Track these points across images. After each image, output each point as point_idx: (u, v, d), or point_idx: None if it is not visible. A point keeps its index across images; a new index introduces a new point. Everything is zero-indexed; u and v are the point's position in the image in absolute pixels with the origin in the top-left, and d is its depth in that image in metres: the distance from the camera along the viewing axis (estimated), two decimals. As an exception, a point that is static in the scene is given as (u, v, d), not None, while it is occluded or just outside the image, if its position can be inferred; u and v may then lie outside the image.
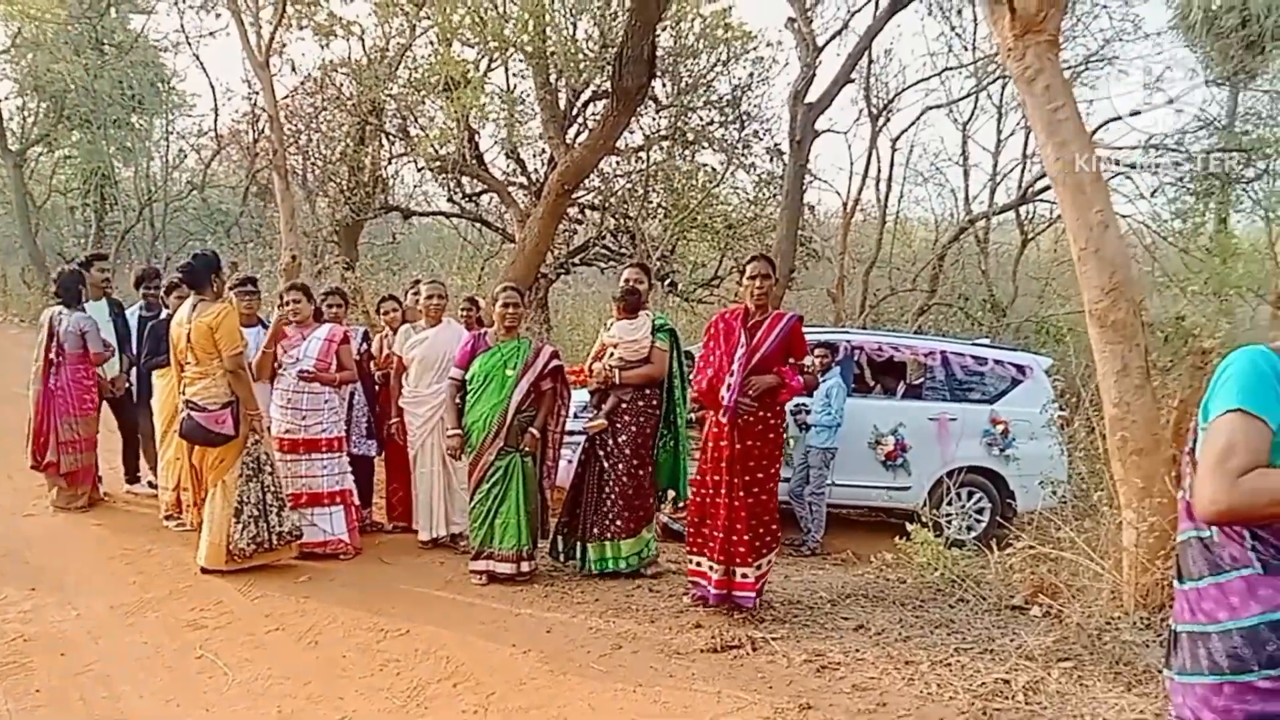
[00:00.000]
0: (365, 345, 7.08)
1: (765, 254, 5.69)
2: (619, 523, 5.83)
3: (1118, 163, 14.53)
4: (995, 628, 4.85)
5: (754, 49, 14.14)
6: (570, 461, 6.33)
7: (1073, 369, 7.00)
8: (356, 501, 6.39)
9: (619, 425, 5.83)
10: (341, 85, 14.61)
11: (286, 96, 14.71)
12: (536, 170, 14.76)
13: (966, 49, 15.47)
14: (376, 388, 7.04)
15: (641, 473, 5.87)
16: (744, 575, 5.07)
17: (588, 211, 15.26)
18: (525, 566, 5.70)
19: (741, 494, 5.04)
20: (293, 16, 12.77)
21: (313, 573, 5.76)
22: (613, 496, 5.83)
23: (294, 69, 14.83)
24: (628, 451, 5.81)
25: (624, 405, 5.84)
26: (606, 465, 5.85)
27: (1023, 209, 16.16)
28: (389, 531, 6.90)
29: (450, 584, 5.68)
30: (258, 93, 13.97)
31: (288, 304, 6.22)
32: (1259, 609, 1.83)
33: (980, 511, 7.97)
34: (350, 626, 4.88)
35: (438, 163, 13.72)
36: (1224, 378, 1.89)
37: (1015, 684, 4.09)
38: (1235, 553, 1.88)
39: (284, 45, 13.62)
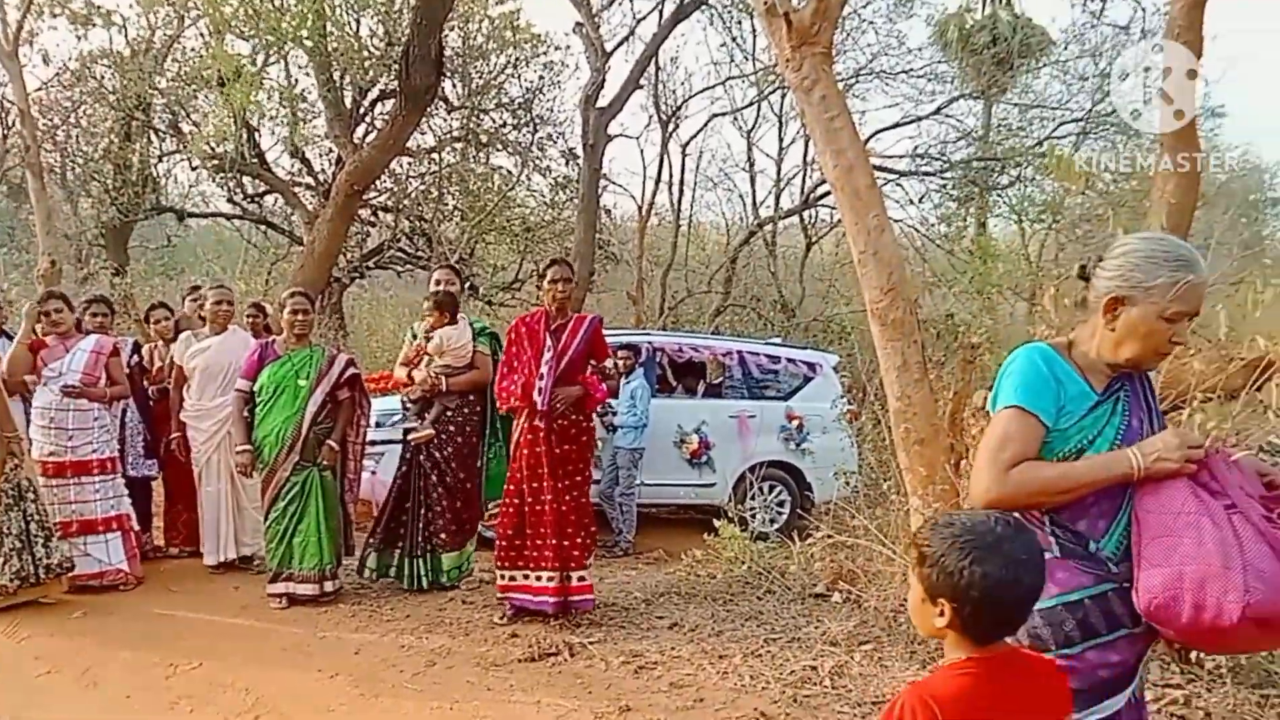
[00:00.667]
0: (136, 357, 6.51)
1: (564, 257, 5.68)
2: (444, 535, 5.64)
3: (889, 170, 15.60)
4: (801, 616, 5.04)
5: (544, 52, 14.16)
6: (374, 473, 6.06)
7: (858, 365, 7.42)
8: (135, 526, 5.87)
9: (444, 435, 5.63)
10: (103, 78, 13.39)
11: (40, 89, 13.41)
12: (324, 170, 14.13)
13: (747, 59, 16.11)
14: (151, 403, 6.49)
15: (469, 485, 5.71)
16: (580, 579, 5.04)
17: (381, 213, 14.76)
18: (329, 586, 5.41)
19: (566, 498, 5.01)
20: (44, 4, 11.64)
21: (89, 607, 5.25)
22: (439, 508, 5.62)
23: (46, 60, 13.48)
24: (454, 463, 5.63)
25: (449, 413, 5.65)
26: (434, 477, 5.63)
27: (806, 213, 17.01)
28: (173, 557, 6.39)
29: (246, 609, 5.31)
30: (5, 84, 12.59)
31: (47, 313, 5.62)
32: (1056, 590, 1.92)
33: (781, 504, 8.30)
34: (135, 664, 4.46)
35: (214, 161, 12.84)
36: (1005, 375, 2.02)
37: (822, 669, 4.26)
38: (1038, 537, 1.95)
39: (34, 34, 12.41)
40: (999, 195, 15.48)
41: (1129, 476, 1.89)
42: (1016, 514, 1.96)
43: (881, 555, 5.18)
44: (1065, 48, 15.25)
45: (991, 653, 1.68)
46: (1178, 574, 1.80)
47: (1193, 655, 3.96)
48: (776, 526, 8.02)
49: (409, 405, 5.82)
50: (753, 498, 8.07)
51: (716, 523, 6.21)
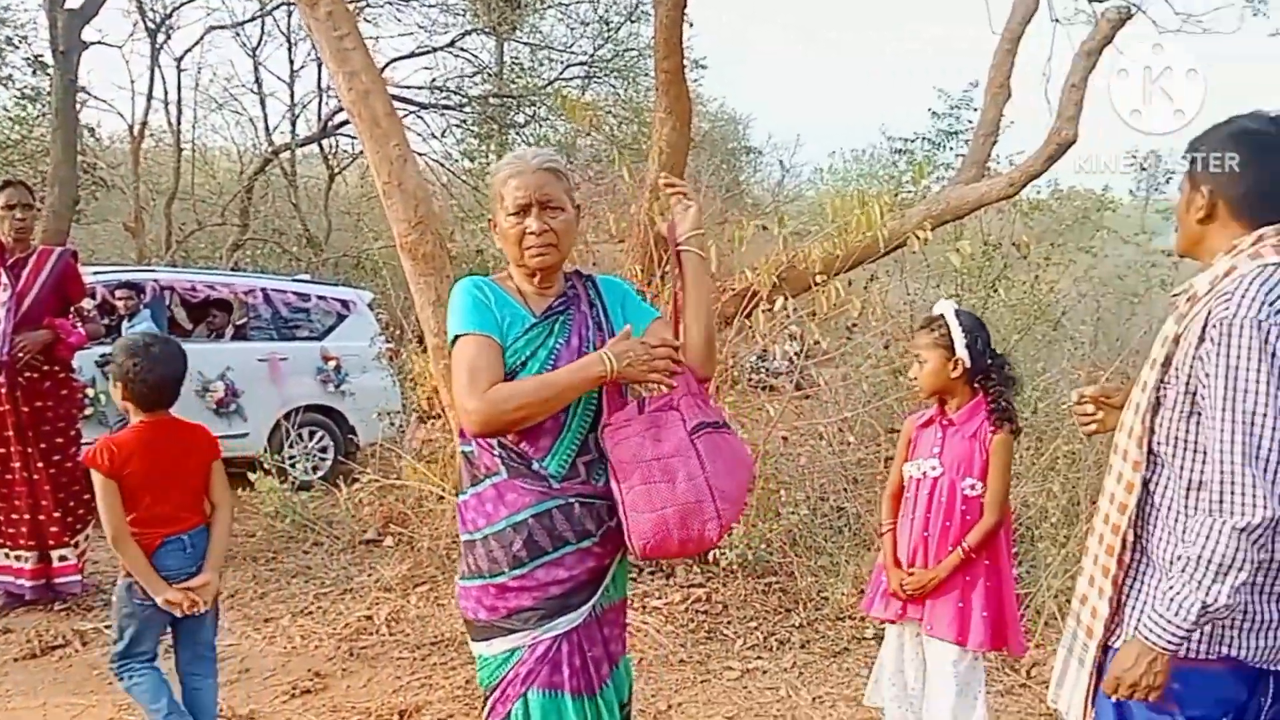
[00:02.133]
0: None
1: (19, 179, 4.79)
2: None
3: (409, 101, 15.37)
4: (353, 565, 4.96)
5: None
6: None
7: (393, 302, 7.33)
8: None
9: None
10: None
11: None
12: None
13: (246, -34, 14.69)
14: None
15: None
16: (63, 558, 4.41)
17: None
18: None
19: (40, 464, 4.33)
20: None
21: None
22: None
23: None
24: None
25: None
26: None
27: (326, 142, 16.18)
28: None
29: None
30: None
31: None
32: (506, 512, 2.01)
33: (324, 450, 7.98)
34: None
35: None
36: (450, 309, 2.07)
37: (378, 617, 4.24)
38: (488, 462, 2.04)
39: None
40: (517, 133, 15.96)
41: (604, 376, 1.97)
42: (476, 443, 2.03)
43: (432, 495, 5.24)
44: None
45: (155, 418, 2.95)
46: (661, 518, 1.97)
47: (709, 555, 4.62)
48: (320, 474, 7.70)
49: None
50: (291, 446, 7.67)
51: (252, 476, 5.82)
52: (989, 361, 2.86)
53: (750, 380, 7.12)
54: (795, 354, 5.99)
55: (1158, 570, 1.88)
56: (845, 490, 5.19)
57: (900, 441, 3.05)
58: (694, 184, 7.50)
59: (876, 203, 4.16)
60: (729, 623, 4.30)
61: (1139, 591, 1.91)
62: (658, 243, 4.78)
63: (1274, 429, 1.67)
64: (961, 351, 2.81)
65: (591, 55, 15.42)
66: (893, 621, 2.94)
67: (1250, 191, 1.84)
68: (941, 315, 2.88)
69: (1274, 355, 1.68)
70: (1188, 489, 1.82)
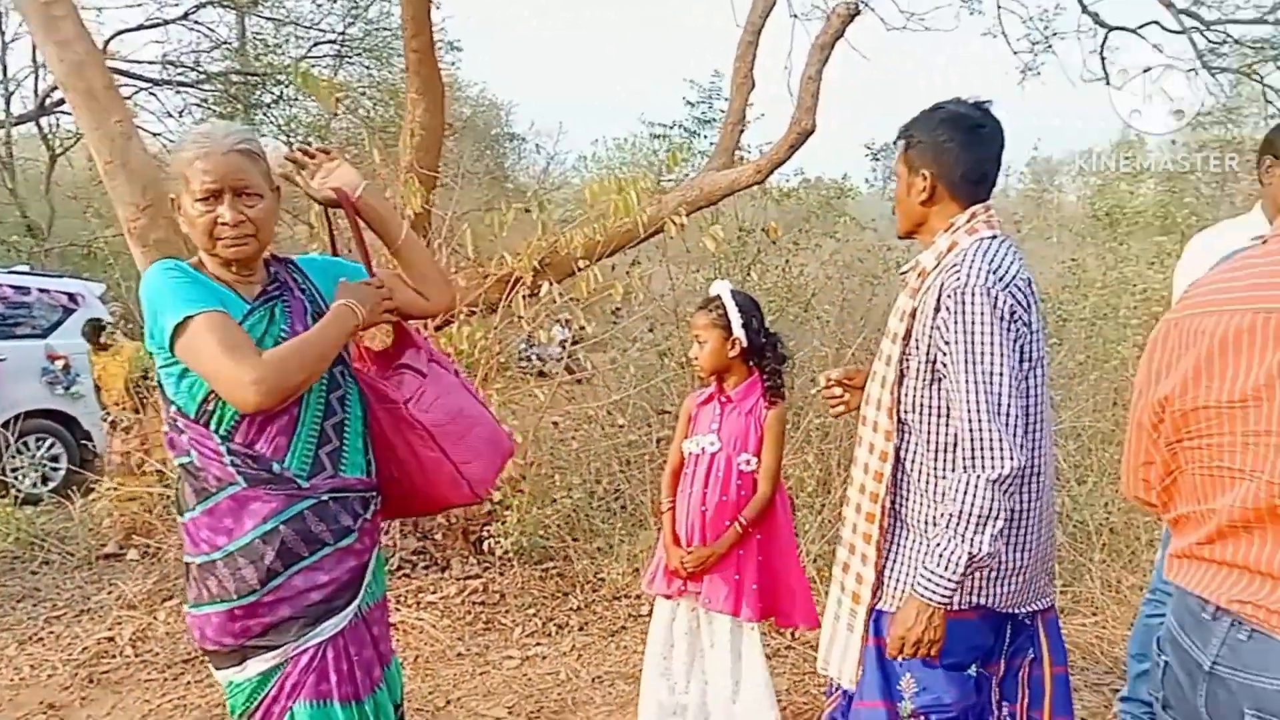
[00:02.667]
0: None
1: None
2: None
3: (139, 77, 14.14)
4: (90, 584, 4.54)
5: None
6: None
7: (125, 294, 6.77)
8: None
9: None
10: None
11: None
12: None
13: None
14: None
15: None
16: None
17: None
18: None
19: None
20: None
21: None
22: None
23: None
24: None
25: None
26: None
27: (44, 121, 14.66)
28: None
29: None
30: None
31: None
32: (251, 525, 1.83)
33: (54, 459, 7.25)
34: None
35: None
36: (155, 297, 1.81)
37: (121, 638, 3.91)
38: (219, 473, 1.83)
39: None
40: (265, 114, 14.98)
41: (357, 324, 1.89)
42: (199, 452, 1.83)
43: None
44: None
45: None
46: (489, 455, 2.07)
47: (485, 545, 4.58)
48: (52, 486, 7.00)
49: None
50: (14, 456, 6.90)
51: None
52: (763, 340, 2.96)
53: (522, 367, 7.12)
54: (562, 340, 6.04)
55: (912, 532, 2.02)
56: (620, 472, 5.29)
57: (680, 419, 3.11)
58: (456, 169, 7.39)
59: (633, 188, 4.25)
60: (507, 611, 4.28)
61: (896, 555, 2.04)
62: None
63: (1012, 386, 1.85)
64: (739, 331, 2.89)
65: (342, 33, 14.74)
66: (669, 597, 2.99)
67: (967, 173, 2.01)
68: (719, 296, 2.95)
69: (1003, 319, 1.86)
70: (936, 452, 1.97)
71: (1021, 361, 1.89)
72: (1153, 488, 1.55)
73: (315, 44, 15.06)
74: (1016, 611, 2.01)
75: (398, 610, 4.10)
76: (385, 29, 14.53)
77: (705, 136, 16.07)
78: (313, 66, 13.99)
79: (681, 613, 2.99)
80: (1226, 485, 1.37)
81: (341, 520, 1.92)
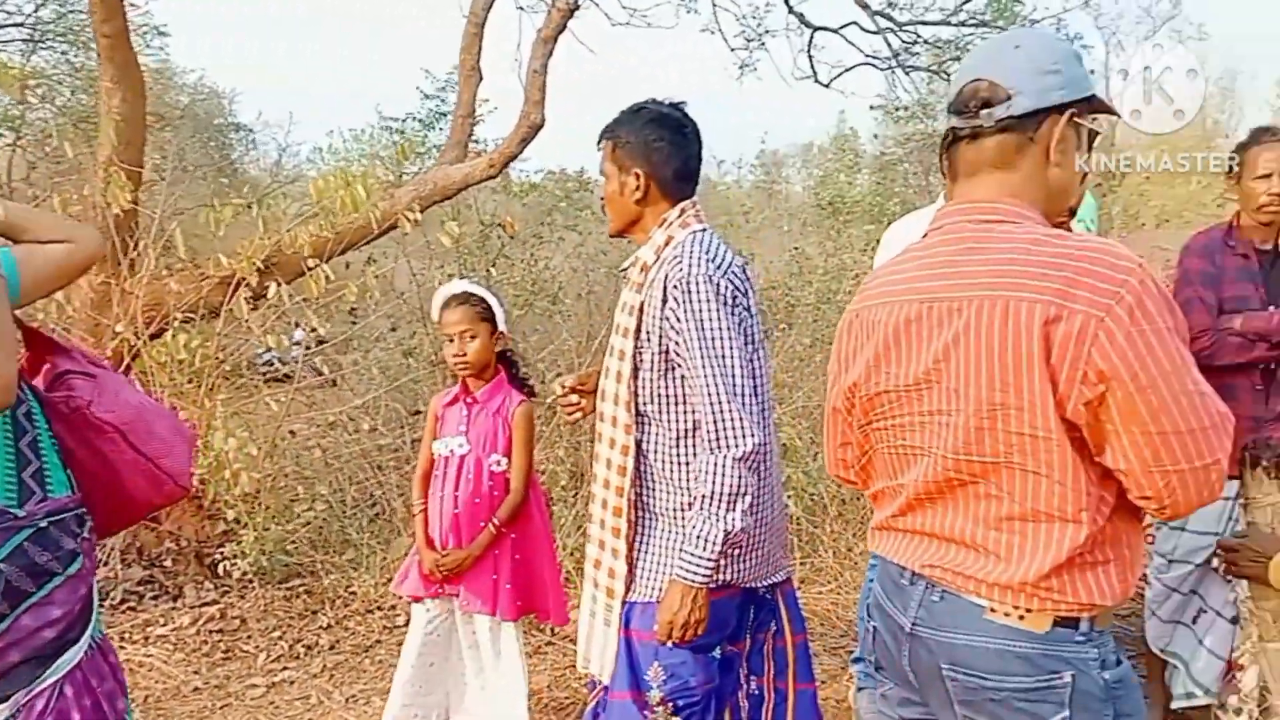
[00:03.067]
0: None
1: None
2: None
3: None
4: None
5: None
6: None
7: None
8: None
9: None
10: None
11: None
12: None
13: None
14: None
15: None
16: None
17: None
18: None
19: None
20: None
21: None
22: None
23: None
24: None
25: None
26: None
27: None
28: None
29: None
30: None
31: None
32: None
33: None
34: None
35: None
36: None
37: None
38: None
39: None
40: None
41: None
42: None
43: None
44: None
45: None
46: (184, 451, 1.90)
47: (221, 568, 4.25)
48: None
49: None
50: None
51: None
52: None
53: (262, 373, 6.67)
54: (297, 343, 5.70)
55: (661, 521, 2.06)
56: (373, 478, 5.07)
57: (428, 420, 3.02)
58: (177, 163, 6.79)
59: (361, 183, 4.06)
60: (249, 637, 4.00)
61: (647, 546, 2.07)
62: (118, 227, 4.22)
63: (743, 367, 1.93)
64: (503, 325, 2.86)
65: (33, 15, 13.19)
66: (419, 599, 2.92)
67: (678, 171, 2.09)
68: (474, 292, 2.88)
69: (727, 304, 1.95)
70: (677, 438, 2.02)
71: (746, 343, 1.97)
72: (851, 466, 1.67)
73: (1, 27, 13.37)
74: (758, 586, 2.10)
75: (123, 649, 3.74)
76: (79, 11, 13.12)
77: (441, 129, 15.71)
78: (0, 52, 12.44)
79: (438, 614, 2.93)
80: (911, 462, 1.49)
81: (64, 544, 1.73)
